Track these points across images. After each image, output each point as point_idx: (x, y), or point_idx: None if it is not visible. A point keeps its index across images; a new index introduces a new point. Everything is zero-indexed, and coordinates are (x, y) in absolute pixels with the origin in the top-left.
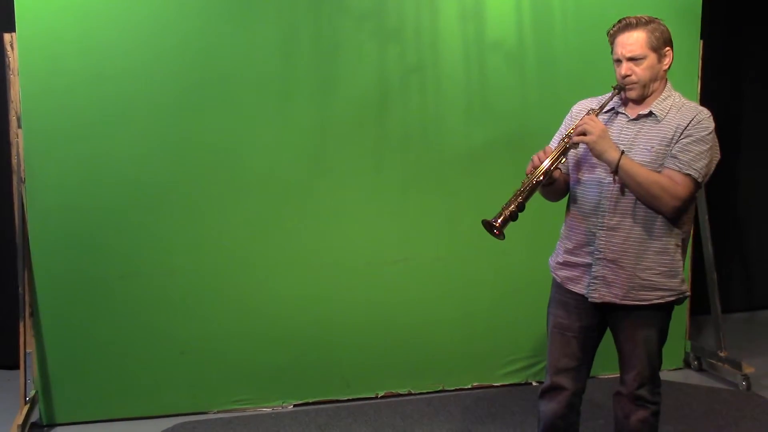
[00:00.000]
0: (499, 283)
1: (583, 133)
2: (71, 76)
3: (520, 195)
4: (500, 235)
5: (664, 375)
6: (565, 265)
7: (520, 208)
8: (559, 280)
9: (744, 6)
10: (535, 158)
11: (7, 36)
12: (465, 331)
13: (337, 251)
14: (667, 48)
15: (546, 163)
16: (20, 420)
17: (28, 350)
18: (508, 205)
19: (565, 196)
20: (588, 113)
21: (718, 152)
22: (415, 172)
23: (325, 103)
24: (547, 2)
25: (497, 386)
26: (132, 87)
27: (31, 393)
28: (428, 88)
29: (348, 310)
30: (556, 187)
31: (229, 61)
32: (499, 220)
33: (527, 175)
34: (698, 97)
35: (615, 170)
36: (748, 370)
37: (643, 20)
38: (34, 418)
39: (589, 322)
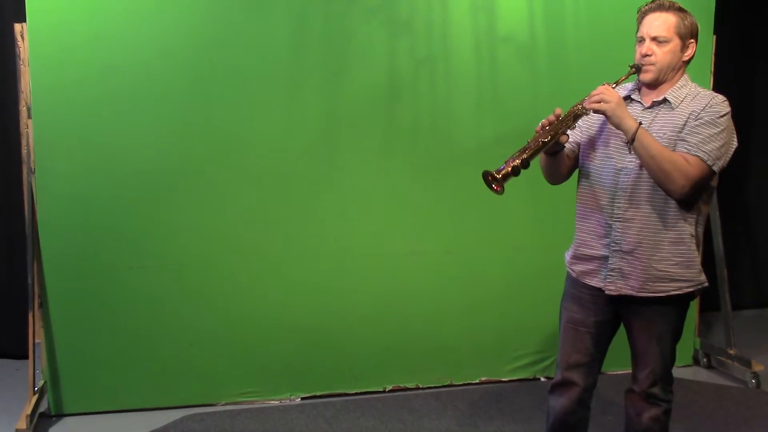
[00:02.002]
0: (508, 278)
1: (600, 101)
2: (81, 66)
3: (525, 151)
4: (499, 189)
5: (673, 372)
6: (581, 258)
7: (524, 164)
8: (574, 274)
9: (757, 1)
10: (545, 120)
11: (17, 26)
12: (473, 325)
13: (345, 244)
14: (692, 40)
15: (556, 125)
16: (29, 410)
17: (37, 340)
18: (512, 159)
19: (565, 179)
20: (603, 84)
21: (735, 139)
22: (425, 164)
23: (335, 95)
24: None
25: (505, 381)
26: (142, 78)
27: (40, 383)
28: (439, 81)
29: (356, 304)
30: (558, 163)
31: (238, 53)
32: (501, 172)
33: (536, 132)
34: None
35: (632, 140)
36: (757, 367)
37: (677, 5)
38: (43, 408)
39: (603, 317)
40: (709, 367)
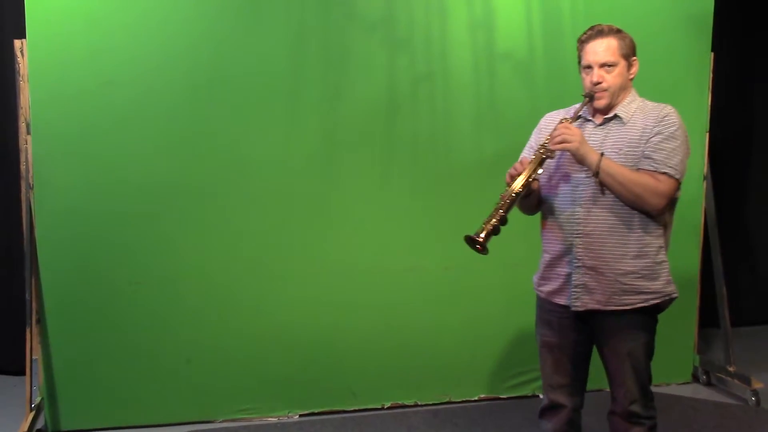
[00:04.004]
0: (507, 295)
1: (563, 141)
2: (80, 82)
3: (501, 208)
4: (483, 250)
5: (673, 389)
6: (547, 279)
7: (502, 221)
8: (543, 295)
9: (755, 18)
10: (512, 170)
11: (17, 42)
12: (472, 342)
13: (344, 259)
14: (634, 57)
15: (524, 174)
16: (25, 427)
17: (34, 357)
18: (489, 219)
19: (538, 209)
20: (561, 122)
21: (689, 148)
22: (424, 181)
23: (334, 112)
24: (557, 13)
25: (504, 398)
26: (141, 94)
27: (37, 400)
28: (437, 98)
29: (354, 320)
30: (532, 199)
31: (238, 70)
32: (482, 235)
33: (507, 186)
34: (708, 109)
35: (596, 172)
36: (757, 385)
37: (614, 29)
38: (40, 424)
39: (575, 336)
40: (708, 384)
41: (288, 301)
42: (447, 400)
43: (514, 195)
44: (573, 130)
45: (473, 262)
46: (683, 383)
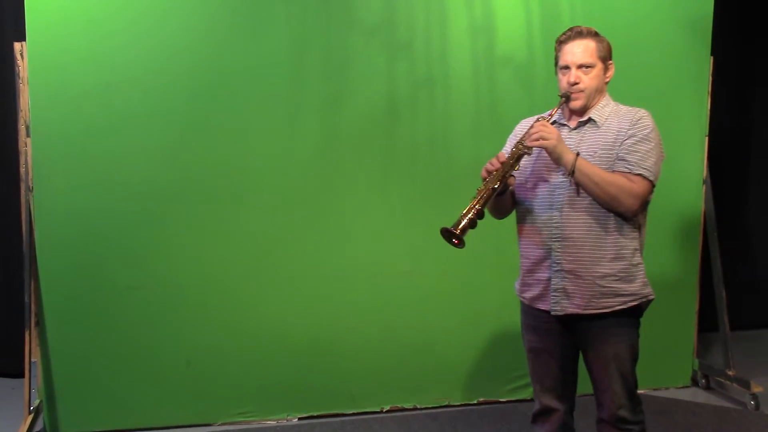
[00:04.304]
0: (506, 299)
1: (541, 139)
2: (80, 85)
3: (477, 202)
4: (460, 244)
5: (672, 393)
6: (528, 285)
7: (479, 215)
8: (527, 301)
9: (754, 23)
10: (489, 165)
11: (17, 45)
12: (471, 346)
13: (343, 263)
14: (611, 61)
15: (502, 170)
16: (24, 429)
17: (33, 360)
18: (466, 212)
19: (510, 212)
20: (538, 120)
21: (663, 151)
22: (423, 185)
23: (333, 116)
24: (556, 17)
25: (503, 402)
26: (141, 97)
27: (36, 402)
28: (437, 102)
29: (354, 324)
30: (505, 201)
31: (238, 74)
32: (459, 228)
33: (483, 180)
34: (708, 113)
35: (572, 172)
36: (756, 389)
37: (593, 31)
38: (38, 427)
39: (561, 340)
40: (707, 388)
41: (287, 305)
42: (446, 403)
43: (491, 189)
44: (550, 128)
45: (472, 266)
46: (682, 387)
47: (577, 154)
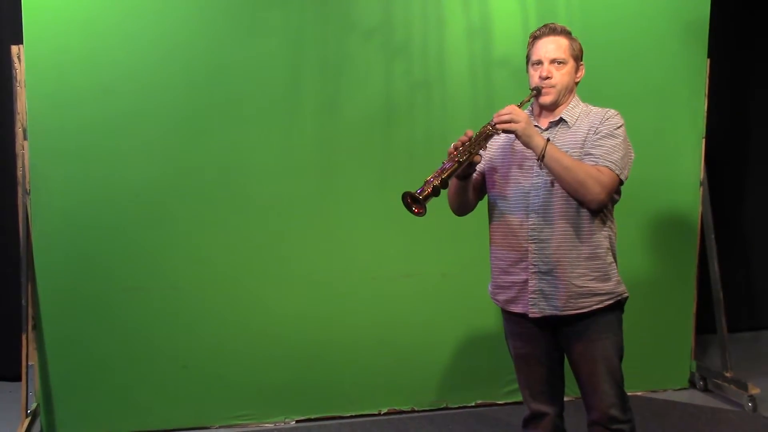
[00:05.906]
0: None
1: (510, 121)
2: (77, 88)
3: (443, 172)
4: (422, 211)
5: (669, 395)
6: (502, 287)
7: (444, 184)
8: (500, 304)
9: (751, 24)
10: (457, 142)
11: (14, 48)
12: (469, 348)
13: (341, 267)
14: (582, 62)
15: (469, 145)
16: None
17: (30, 363)
18: (431, 180)
19: (471, 209)
20: (509, 105)
21: (632, 150)
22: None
23: (330, 119)
24: (553, 20)
25: (501, 404)
26: (138, 101)
27: (33, 406)
28: (435, 104)
29: (351, 326)
30: (466, 189)
31: (235, 77)
32: (423, 194)
33: (449, 154)
34: (705, 115)
35: (542, 156)
36: (754, 390)
37: (567, 30)
38: (36, 430)
39: (546, 345)
40: (705, 390)
41: (284, 307)
42: (444, 405)
43: (457, 162)
44: (520, 112)
45: (470, 268)
46: (680, 389)
47: (548, 140)
